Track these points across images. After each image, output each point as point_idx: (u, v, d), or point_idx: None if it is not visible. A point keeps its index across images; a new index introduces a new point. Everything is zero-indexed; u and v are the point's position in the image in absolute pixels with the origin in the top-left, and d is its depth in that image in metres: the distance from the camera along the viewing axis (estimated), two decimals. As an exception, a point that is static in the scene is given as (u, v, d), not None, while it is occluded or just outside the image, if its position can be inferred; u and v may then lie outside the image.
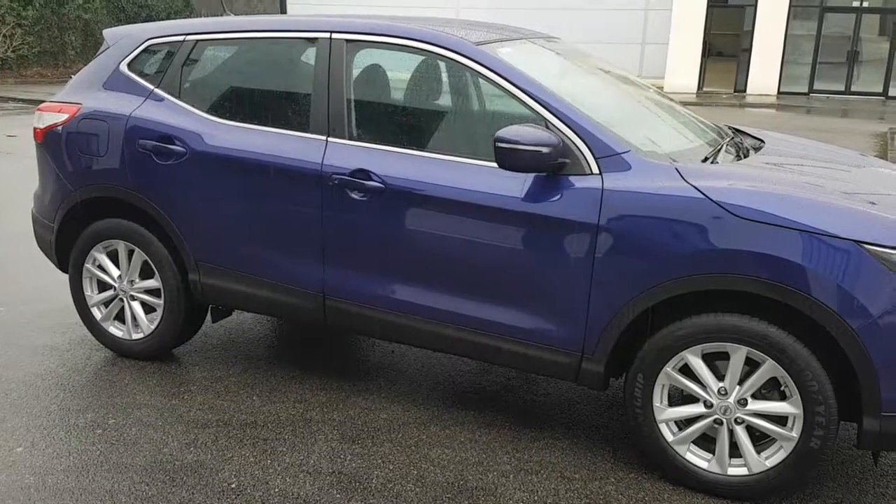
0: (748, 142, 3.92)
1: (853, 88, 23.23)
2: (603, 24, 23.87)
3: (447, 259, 3.34)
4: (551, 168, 3.09)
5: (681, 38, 22.98)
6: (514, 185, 3.16)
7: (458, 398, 3.82)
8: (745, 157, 3.55)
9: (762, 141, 3.95)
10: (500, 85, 3.30)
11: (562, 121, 3.15)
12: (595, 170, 3.09)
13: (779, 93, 22.88)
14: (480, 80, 3.43)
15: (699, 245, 2.88)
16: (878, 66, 23.13)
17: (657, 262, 2.96)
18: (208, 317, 4.18)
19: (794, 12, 22.72)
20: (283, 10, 26.14)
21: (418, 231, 3.37)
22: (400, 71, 3.79)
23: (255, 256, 3.75)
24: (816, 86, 23.33)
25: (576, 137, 3.13)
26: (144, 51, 4.06)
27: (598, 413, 3.72)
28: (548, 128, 3.14)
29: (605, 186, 3.04)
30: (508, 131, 3.03)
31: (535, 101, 3.21)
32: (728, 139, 3.81)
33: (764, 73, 22.88)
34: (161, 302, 4.04)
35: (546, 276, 3.17)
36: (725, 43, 23.73)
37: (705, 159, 3.33)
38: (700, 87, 23.49)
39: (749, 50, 23.04)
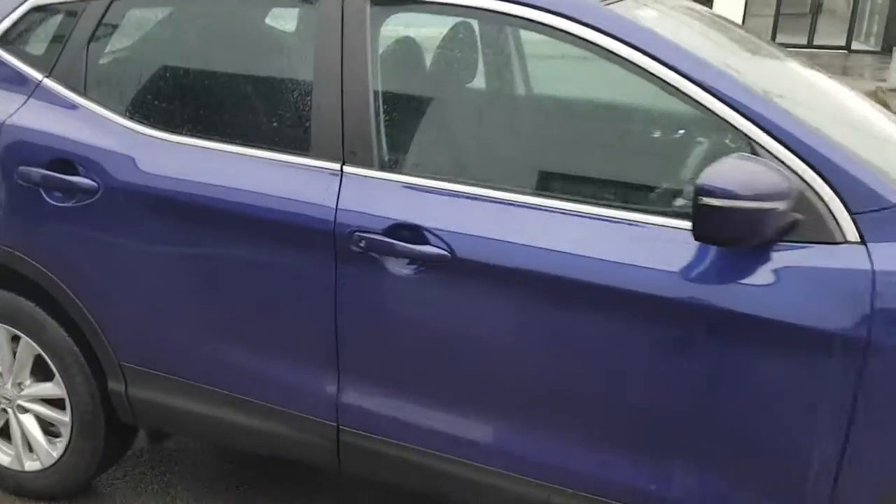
0: None
1: (816, 42, 22.30)
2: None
3: (555, 380, 1.94)
4: (778, 235, 1.69)
5: (641, -6, 21.68)
6: (677, 256, 1.76)
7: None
8: None
9: None
10: (659, 77, 1.85)
11: (786, 144, 1.74)
12: (851, 235, 1.70)
13: (742, 48, 21.81)
14: (615, 67, 1.94)
15: None
16: (842, 19, 22.30)
17: None
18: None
19: (757, -38, 21.62)
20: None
21: (506, 330, 1.97)
22: (448, 49, 2.32)
23: (220, 359, 2.28)
24: (779, 39, 22.16)
25: (814, 176, 1.72)
26: (27, 15, 2.48)
27: None
28: (755, 154, 1.74)
29: (877, 267, 1.65)
30: (717, 175, 1.62)
31: (733, 107, 1.78)
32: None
33: (725, 27, 21.78)
34: (67, 420, 2.53)
35: (746, 424, 1.80)
36: (685, -4, 22.54)
37: None
38: (660, 43, 22.32)
39: (710, 3, 21.83)
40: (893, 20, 20.54)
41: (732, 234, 1.63)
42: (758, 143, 1.75)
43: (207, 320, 2.26)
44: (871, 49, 19.04)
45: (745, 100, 1.78)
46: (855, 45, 21.85)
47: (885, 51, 18.33)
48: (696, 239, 1.67)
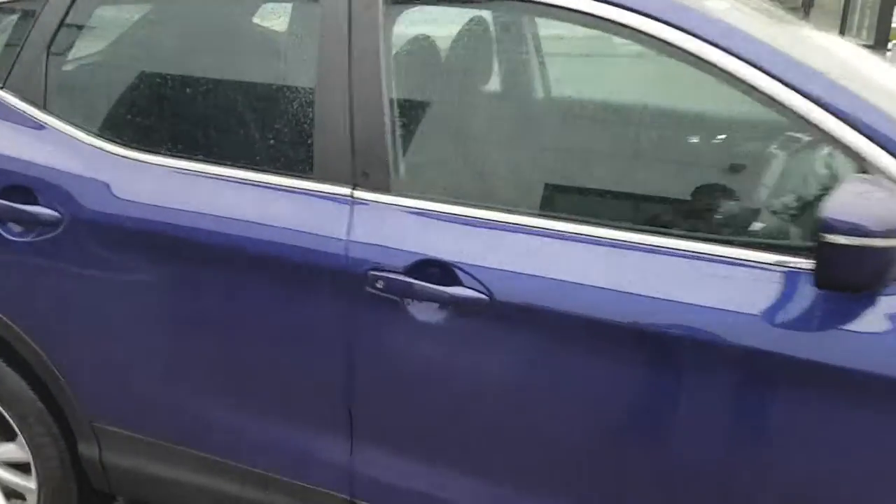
0: None
1: (808, 36, 22.22)
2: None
3: (614, 447, 1.62)
4: None
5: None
6: (760, 295, 1.43)
7: None
8: None
9: None
10: (744, 80, 1.51)
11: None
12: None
13: (733, 43, 21.71)
14: (685, 67, 1.60)
15: None
16: (834, 14, 22.15)
17: None
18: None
19: (750, -42, 21.44)
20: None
21: (554, 388, 1.64)
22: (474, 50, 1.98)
23: (211, 420, 1.93)
24: (769, 34, 22.20)
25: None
26: (-24, 16, 2.14)
27: None
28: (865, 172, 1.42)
29: None
30: (844, 207, 1.28)
31: (843, 119, 1.45)
32: None
33: (716, 22, 21.64)
34: (33, 486, 2.18)
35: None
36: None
37: None
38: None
39: (701, -2, 21.66)
40: (885, 14, 20.42)
41: (863, 279, 1.30)
42: (871, 163, 1.42)
43: (194, 375, 1.91)
44: (863, 43, 18.92)
45: (853, 108, 1.45)
46: (847, 39, 21.73)
47: (878, 45, 18.14)
48: (819, 286, 1.34)
